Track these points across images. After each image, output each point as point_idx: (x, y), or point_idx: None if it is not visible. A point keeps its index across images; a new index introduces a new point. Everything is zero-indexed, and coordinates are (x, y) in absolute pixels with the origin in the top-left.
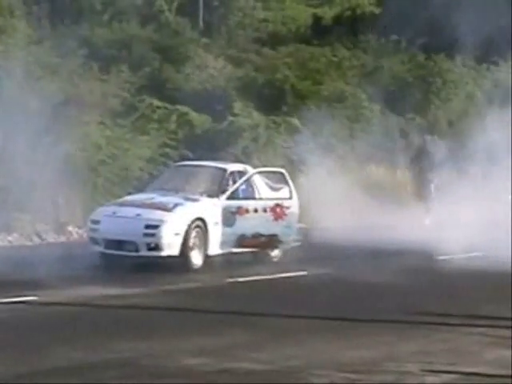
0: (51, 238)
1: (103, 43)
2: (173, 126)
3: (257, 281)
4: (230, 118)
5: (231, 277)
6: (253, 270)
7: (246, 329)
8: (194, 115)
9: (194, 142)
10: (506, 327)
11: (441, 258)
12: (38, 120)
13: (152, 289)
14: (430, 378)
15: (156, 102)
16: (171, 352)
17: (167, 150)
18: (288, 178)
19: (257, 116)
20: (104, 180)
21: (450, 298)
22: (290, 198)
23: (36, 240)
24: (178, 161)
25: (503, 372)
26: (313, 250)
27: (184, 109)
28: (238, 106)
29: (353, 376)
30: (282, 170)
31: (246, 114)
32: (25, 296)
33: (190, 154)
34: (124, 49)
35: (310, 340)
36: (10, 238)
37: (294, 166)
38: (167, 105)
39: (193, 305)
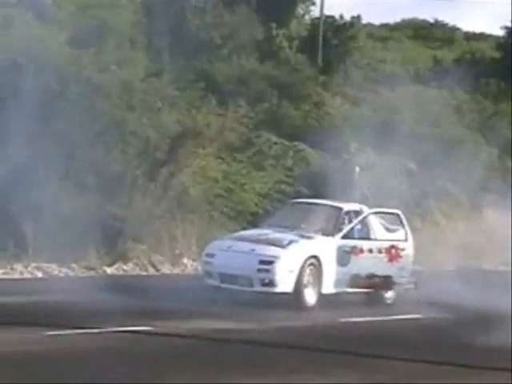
0: (166, 269)
1: (222, 77)
2: (289, 163)
3: (370, 322)
4: (345, 157)
5: (345, 317)
6: (366, 310)
7: (359, 370)
8: (310, 152)
9: (310, 179)
10: None
11: None
12: (156, 152)
13: (266, 325)
14: None
15: (273, 138)
16: None
17: (283, 186)
18: (404, 219)
19: (372, 156)
20: (219, 214)
21: None
22: (406, 239)
23: (151, 270)
24: (294, 197)
25: None
26: (427, 293)
27: (301, 145)
28: (353, 144)
29: None
30: (398, 212)
31: (361, 154)
32: (139, 326)
33: (306, 191)
34: (242, 84)
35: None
36: (125, 268)
37: (409, 208)
38: (284, 141)
39: (306, 343)
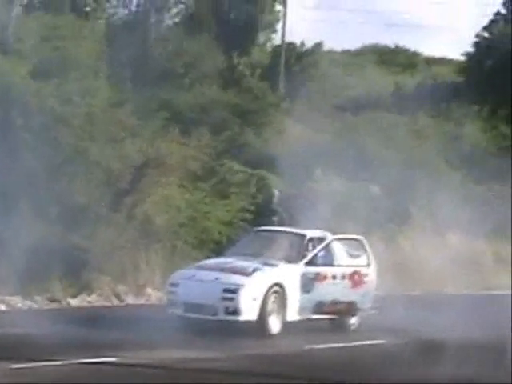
0: (130, 299)
1: (184, 106)
2: (252, 190)
3: (335, 348)
4: (309, 184)
5: (309, 344)
6: (331, 337)
7: None
8: (274, 180)
9: (274, 207)
10: None
11: None
12: (119, 182)
13: (229, 354)
14: None
15: (236, 166)
16: None
17: (247, 214)
18: (367, 245)
19: (337, 182)
20: (183, 243)
21: None
22: (368, 265)
23: (115, 301)
24: (258, 226)
25: None
26: (391, 319)
27: (264, 173)
28: (317, 171)
29: None
30: (361, 238)
31: (325, 180)
32: (104, 357)
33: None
34: (205, 112)
35: None
36: (89, 299)
37: (373, 233)
38: (247, 169)
39: (269, 371)
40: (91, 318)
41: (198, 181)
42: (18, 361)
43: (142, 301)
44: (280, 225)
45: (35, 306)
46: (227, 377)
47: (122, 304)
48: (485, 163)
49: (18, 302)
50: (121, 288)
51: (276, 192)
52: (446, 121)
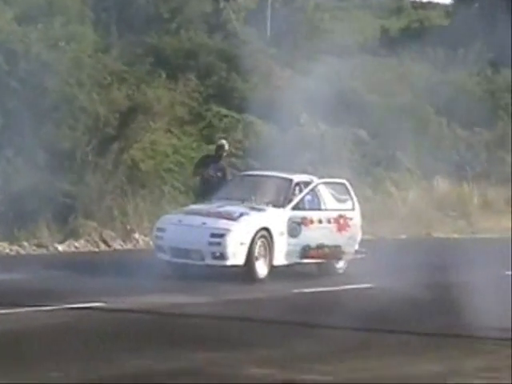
0: (118, 245)
1: (171, 51)
2: (239, 135)
3: (322, 292)
4: (296, 128)
5: (297, 288)
6: (318, 281)
7: (312, 340)
8: (260, 124)
9: (260, 151)
10: None
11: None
12: (106, 127)
13: (217, 298)
14: None
15: (223, 111)
16: (236, 362)
17: (233, 159)
18: (351, 189)
19: (323, 127)
20: (170, 188)
21: None
22: (353, 209)
23: (102, 247)
24: (244, 170)
25: None
26: (378, 263)
27: (251, 118)
28: (304, 116)
29: None
30: (345, 181)
31: (312, 125)
32: (92, 302)
33: (256, 164)
34: (191, 57)
35: (375, 353)
36: (76, 245)
37: (360, 178)
38: (234, 114)
39: (258, 315)
40: (78, 263)
41: (185, 126)
42: (5, 306)
43: (129, 246)
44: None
45: (22, 251)
46: (216, 321)
47: (110, 249)
48: (470, 108)
49: (6, 247)
50: (108, 233)
51: (223, 142)
52: (432, 65)
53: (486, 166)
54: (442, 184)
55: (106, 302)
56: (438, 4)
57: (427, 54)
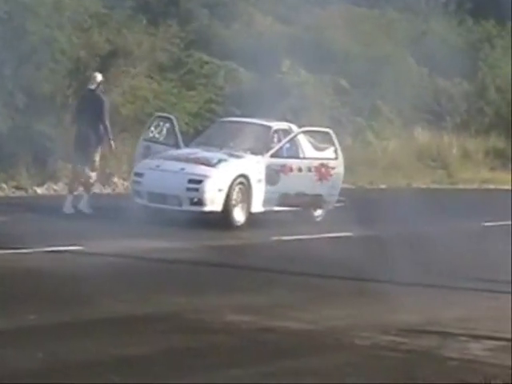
0: (97, 188)
1: None
2: (220, 82)
3: (301, 240)
4: (278, 76)
5: (275, 235)
6: (297, 229)
7: (290, 288)
8: (241, 71)
9: (241, 98)
10: None
11: (487, 224)
12: (87, 71)
13: (195, 244)
14: (473, 345)
15: (204, 57)
16: (214, 308)
17: (213, 105)
18: (335, 138)
19: (305, 75)
20: None
21: (496, 265)
22: (336, 158)
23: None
24: (225, 116)
25: None
26: (356, 211)
27: (232, 65)
28: (286, 64)
29: (396, 339)
30: (329, 130)
31: (293, 73)
32: (69, 246)
33: (237, 111)
34: (172, 3)
35: (353, 302)
36: (55, 187)
37: (341, 127)
38: (215, 60)
39: (236, 262)
40: (57, 206)
41: (166, 72)
42: None
43: (108, 190)
44: None
45: (1, 193)
46: (192, 267)
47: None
48: (451, 58)
49: None
50: None
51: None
52: (414, 15)
53: (465, 116)
54: (422, 134)
55: (82, 246)
56: None
57: (409, 4)
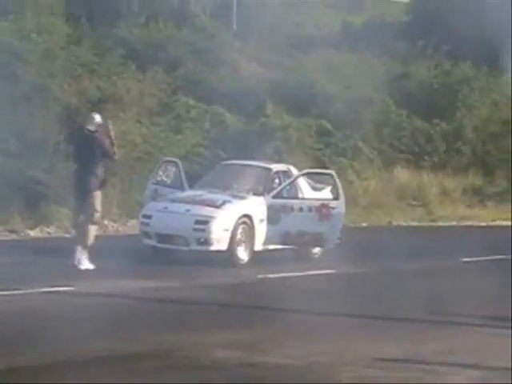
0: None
1: (140, 44)
2: (207, 126)
3: (286, 277)
4: (262, 119)
5: (261, 273)
6: (287, 266)
7: (274, 324)
8: (227, 115)
9: (227, 141)
10: None
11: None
12: (77, 117)
13: (188, 283)
14: (454, 377)
15: (191, 102)
16: (202, 345)
17: (201, 149)
18: (336, 178)
19: (287, 117)
20: (139, 176)
21: (472, 300)
22: (337, 198)
23: (73, 232)
24: (211, 160)
25: None
26: (340, 249)
27: (218, 109)
28: (269, 107)
29: (380, 373)
30: (332, 172)
31: (277, 116)
32: (62, 286)
33: (223, 154)
34: (160, 50)
35: (336, 337)
36: (48, 230)
37: (324, 168)
38: (202, 105)
39: (222, 299)
40: (49, 248)
41: (154, 116)
42: None
43: (99, 232)
44: None
45: None
46: (180, 306)
47: None
48: (430, 100)
49: None
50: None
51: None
52: (393, 59)
53: (443, 156)
54: (401, 173)
55: (75, 286)
56: (397, 1)
57: (388, 49)
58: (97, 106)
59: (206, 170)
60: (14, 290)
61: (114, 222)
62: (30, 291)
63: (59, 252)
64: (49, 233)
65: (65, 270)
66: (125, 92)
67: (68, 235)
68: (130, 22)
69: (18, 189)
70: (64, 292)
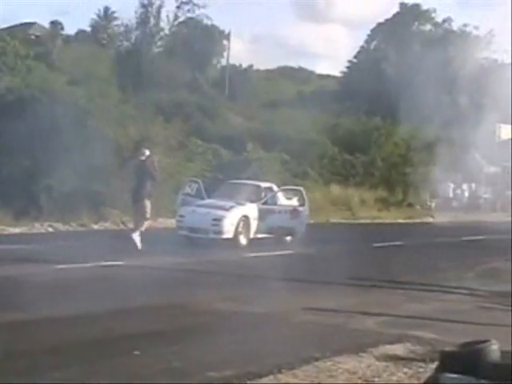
0: (132, 226)
1: (166, 104)
2: (209, 157)
3: (271, 255)
4: (245, 154)
5: (253, 252)
6: (270, 247)
7: (261, 285)
8: (222, 151)
9: (222, 168)
10: (422, 290)
11: (376, 245)
12: (126, 151)
13: (199, 259)
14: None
15: (199, 142)
16: (209, 298)
17: (206, 172)
18: (304, 192)
19: (262, 152)
20: (166, 190)
21: (376, 270)
22: (303, 205)
23: (122, 227)
24: (213, 179)
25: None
26: (305, 238)
27: (216, 146)
28: (250, 146)
29: (313, 317)
30: (301, 188)
31: (254, 151)
32: (116, 261)
33: (220, 175)
34: (178, 108)
35: (293, 292)
36: (106, 224)
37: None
38: (206, 144)
39: (219, 270)
40: (106, 236)
41: (175, 151)
42: (64, 263)
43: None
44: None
45: (71, 229)
46: (189, 274)
47: (127, 229)
48: (354, 141)
49: (60, 226)
50: (126, 218)
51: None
52: (330, 114)
53: (362, 177)
54: (335, 189)
55: (125, 261)
56: (334, 76)
57: (326, 107)
58: (139, 145)
59: (210, 187)
60: (82, 263)
61: (152, 220)
62: (92, 264)
63: (113, 238)
64: (106, 226)
65: (118, 250)
66: (155, 135)
67: (118, 228)
68: (160, 90)
69: (86, 197)
70: (117, 265)
